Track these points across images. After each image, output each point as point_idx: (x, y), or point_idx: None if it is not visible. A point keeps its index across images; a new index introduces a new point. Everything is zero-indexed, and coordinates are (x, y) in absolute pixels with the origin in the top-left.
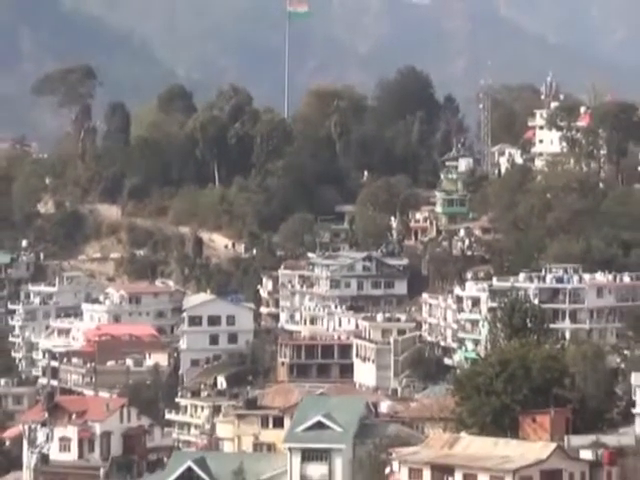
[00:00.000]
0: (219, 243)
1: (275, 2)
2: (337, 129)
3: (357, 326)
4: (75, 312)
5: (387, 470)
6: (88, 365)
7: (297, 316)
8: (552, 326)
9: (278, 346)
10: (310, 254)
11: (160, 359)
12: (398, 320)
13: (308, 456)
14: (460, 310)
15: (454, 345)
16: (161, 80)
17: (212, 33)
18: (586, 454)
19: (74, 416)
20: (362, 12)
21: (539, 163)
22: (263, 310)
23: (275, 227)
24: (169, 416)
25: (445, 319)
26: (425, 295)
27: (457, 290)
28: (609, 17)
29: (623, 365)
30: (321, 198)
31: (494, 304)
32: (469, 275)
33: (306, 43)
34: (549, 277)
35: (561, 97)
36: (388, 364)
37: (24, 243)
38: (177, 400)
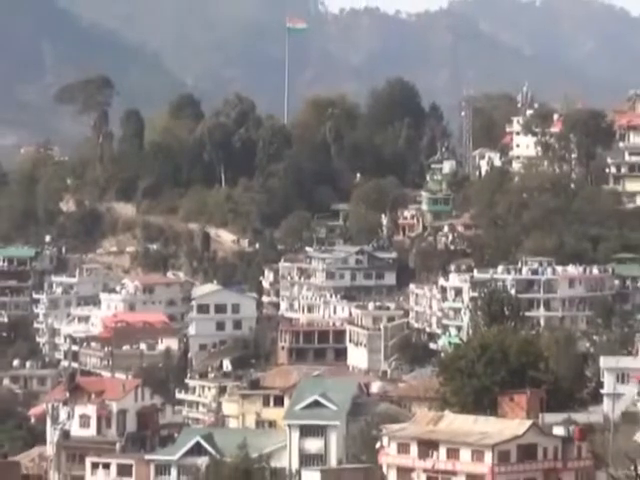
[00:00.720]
0: (225, 238)
1: (276, 19)
2: (332, 134)
3: (350, 314)
4: (94, 301)
5: (377, 445)
6: (105, 349)
7: (296, 305)
8: (527, 314)
9: (278, 332)
10: (308, 248)
11: (171, 344)
12: (388, 308)
13: (306, 432)
14: (444, 299)
15: (438, 331)
16: (172, 89)
17: (218, 46)
18: (559, 430)
19: (93, 396)
20: (354, 28)
21: (516, 166)
22: (265, 299)
23: (276, 224)
24: (179, 396)
25: (430, 307)
26: (412, 285)
27: (441, 281)
28: (579, 32)
29: (592, 350)
30: (318, 197)
31: (475, 294)
32: (452, 267)
33: (304, 56)
34: (525, 269)
35: (536, 105)
36: (378, 348)
37: (47, 238)
38: (186, 381)
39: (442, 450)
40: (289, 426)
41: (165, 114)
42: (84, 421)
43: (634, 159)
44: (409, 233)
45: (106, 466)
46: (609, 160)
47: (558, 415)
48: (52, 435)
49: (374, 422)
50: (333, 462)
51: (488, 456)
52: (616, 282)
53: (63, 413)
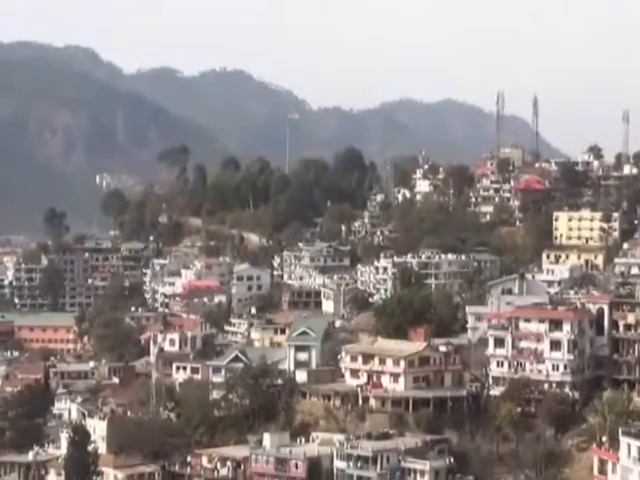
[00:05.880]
0: (252, 239)
1: (281, 114)
2: (313, 179)
3: (324, 282)
4: (177, 274)
5: (339, 357)
6: (184, 301)
7: (293, 276)
8: (425, 282)
9: (283, 292)
10: (300, 244)
11: (222, 298)
12: (345, 279)
13: (298, 349)
14: (377, 273)
15: (374, 292)
16: (222, 152)
17: (248, 128)
18: (442, 348)
19: (177, 328)
20: (326, 118)
21: (418, 197)
22: (275, 273)
23: (281, 230)
24: (226, 328)
25: (370, 277)
26: (359, 265)
27: (376, 263)
28: (457, 121)
29: (462, 302)
30: (305, 215)
31: (395, 270)
32: (382, 255)
33: (297, 134)
34: (423, 256)
35: (429, 163)
36: (339, 301)
37: (151, 238)
38: (230, 320)
39: (376, 359)
40: (289, 345)
41: (218, 167)
42: (172, 342)
43: (485, 193)
44: (358, 236)
45: (184, 368)
46: (471, 194)
47: (442, 339)
48: (153, 350)
49: (337, 343)
50: (313, 366)
51: (402, 363)
52: (475, 264)
53: (160, 338)
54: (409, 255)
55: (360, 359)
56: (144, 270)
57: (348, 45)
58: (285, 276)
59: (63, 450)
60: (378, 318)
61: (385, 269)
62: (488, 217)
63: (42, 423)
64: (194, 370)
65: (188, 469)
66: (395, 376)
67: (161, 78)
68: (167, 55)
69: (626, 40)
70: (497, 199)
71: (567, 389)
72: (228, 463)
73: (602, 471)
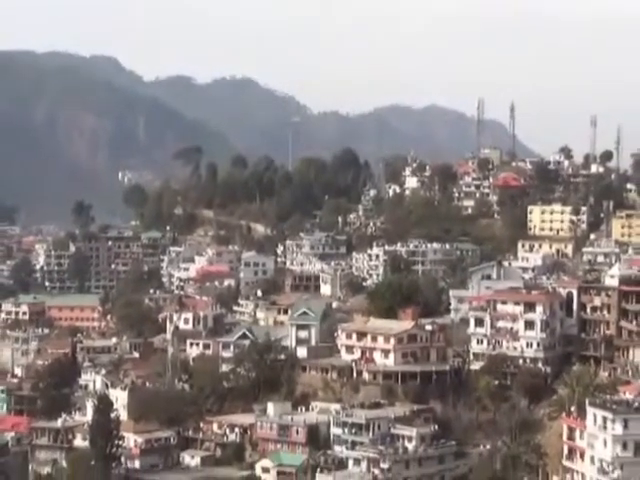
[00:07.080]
0: (259, 229)
1: (285, 117)
2: (313, 176)
3: (322, 267)
4: (191, 260)
5: (336, 335)
6: (197, 285)
7: (295, 262)
8: (413, 268)
9: (285, 277)
10: (301, 234)
11: (231, 282)
12: (341, 265)
13: (299, 327)
14: (370, 260)
15: (367, 276)
16: (231, 152)
17: (254, 130)
18: (428, 327)
19: (191, 308)
20: (325, 121)
21: (407, 192)
22: (279, 259)
23: (285, 220)
24: (235, 308)
25: (363, 264)
26: (354, 253)
27: (369, 251)
28: (438, 126)
29: (446, 286)
30: (306, 208)
31: (386, 257)
32: (374, 244)
33: (299, 135)
34: (411, 245)
35: (417, 162)
36: (336, 285)
37: (168, 227)
38: (238, 301)
39: (369, 337)
40: (291, 324)
41: (227, 165)
42: (186, 321)
43: (467, 189)
44: (352, 227)
45: (197, 344)
46: (454, 190)
47: (428, 319)
48: (170, 328)
49: (334, 323)
50: (313, 343)
51: (392, 340)
52: (458, 252)
53: (175, 317)
54: (399, 244)
55: (354, 337)
56: (162, 256)
57: (345, 56)
58: (288, 262)
59: (88, 417)
60: (371, 300)
61: (377, 256)
62: (469, 210)
63: (70, 393)
64: (206, 346)
65: (200, 434)
66: (386, 352)
67: (177, 85)
68: (183, 64)
69: (598, 50)
70: (477, 194)
71: (540, 364)
72: (236, 429)
73: (571, 437)
